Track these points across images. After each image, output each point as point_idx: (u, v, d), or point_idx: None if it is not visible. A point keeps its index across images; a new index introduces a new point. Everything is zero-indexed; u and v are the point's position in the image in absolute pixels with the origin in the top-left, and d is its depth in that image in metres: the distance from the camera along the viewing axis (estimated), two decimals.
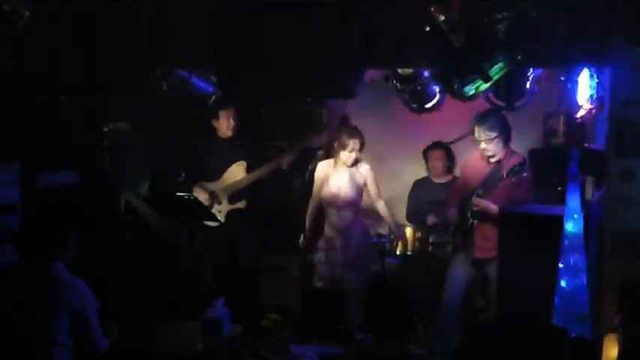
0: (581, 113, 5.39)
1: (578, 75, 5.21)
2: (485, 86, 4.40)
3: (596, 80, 4.99)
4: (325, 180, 6.06)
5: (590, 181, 5.14)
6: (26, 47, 4.73)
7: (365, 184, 6.03)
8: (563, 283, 4.53)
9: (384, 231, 6.51)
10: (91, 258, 4.58)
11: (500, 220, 5.19)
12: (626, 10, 4.26)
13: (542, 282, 4.61)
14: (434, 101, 5.95)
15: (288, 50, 4.78)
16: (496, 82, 4.47)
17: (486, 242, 5.30)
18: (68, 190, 5.51)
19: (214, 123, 6.19)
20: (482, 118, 5.35)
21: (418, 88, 5.83)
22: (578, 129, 5.68)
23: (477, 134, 5.37)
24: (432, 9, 4.28)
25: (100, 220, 5.60)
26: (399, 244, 6.49)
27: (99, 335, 3.90)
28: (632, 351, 3.93)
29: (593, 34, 4.42)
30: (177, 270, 6.02)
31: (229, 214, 6.16)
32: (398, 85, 5.93)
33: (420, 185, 6.77)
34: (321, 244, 6.07)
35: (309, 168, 6.22)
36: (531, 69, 5.46)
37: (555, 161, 5.44)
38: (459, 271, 5.55)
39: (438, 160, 6.63)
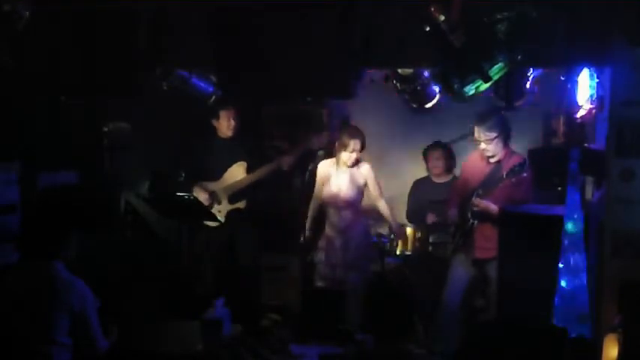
0: (581, 113, 5.39)
1: (578, 75, 5.21)
2: (485, 86, 4.39)
3: (596, 80, 4.99)
4: (326, 180, 6.07)
5: (590, 181, 5.15)
6: (26, 47, 4.73)
7: (365, 184, 6.03)
8: (563, 283, 4.53)
9: (384, 231, 6.51)
10: (91, 258, 4.58)
11: (500, 220, 5.19)
12: (626, 10, 4.26)
13: (542, 282, 4.60)
14: (434, 101, 5.96)
15: (288, 50, 4.77)
16: (496, 82, 4.47)
17: (486, 242, 5.31)
18: (68, 190, 5.51)
19: (214, 123, 6.18)
20: (482, 118, 5.36)
21: (418, 88, 5.84)
22: (578, 129, 5.67)
23: (476, 134, 5.37)
24: (432, 9, 4.27)
25: (100, 220, 5.60)
26: (399, 244, 6.50)
27: (99, 335, 3.89)
28: (632, 351, 3.93)
29: (593, 34, 4.41)
30: (177, 270, 6.00)
31: (229, 214, 6.16)
32: (398, 85, 5.93)
33: (420, 185, 6.77)
34: (321, 243, 6.08)
35: (309, 168, 6.21)
36: (531, 69, 5.47)
37: (555, 161, 5.44)
38: (459, 271, 5.55)
39: (438, 160, 6.62)
